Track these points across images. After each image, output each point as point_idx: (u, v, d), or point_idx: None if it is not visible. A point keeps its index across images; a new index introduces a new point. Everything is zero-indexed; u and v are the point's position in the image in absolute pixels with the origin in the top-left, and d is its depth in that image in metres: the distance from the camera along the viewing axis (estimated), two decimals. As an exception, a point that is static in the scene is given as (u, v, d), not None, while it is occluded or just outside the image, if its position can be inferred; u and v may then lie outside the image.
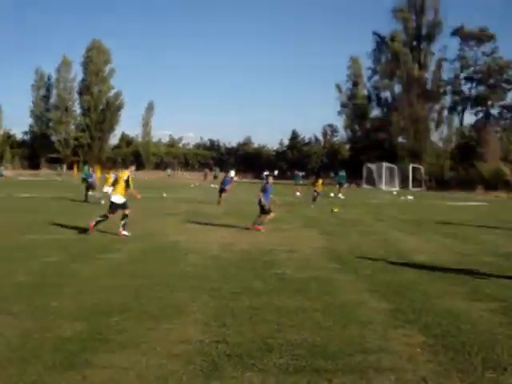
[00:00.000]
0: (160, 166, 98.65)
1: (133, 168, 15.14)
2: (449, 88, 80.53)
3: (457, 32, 77.41)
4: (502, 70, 76.26)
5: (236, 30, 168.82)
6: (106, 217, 13.58)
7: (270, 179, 16.36)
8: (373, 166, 63.73)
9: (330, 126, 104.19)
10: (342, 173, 39.76)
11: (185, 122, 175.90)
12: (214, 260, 10.11)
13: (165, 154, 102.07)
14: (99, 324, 5.80)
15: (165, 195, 31.11)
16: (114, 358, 4.84)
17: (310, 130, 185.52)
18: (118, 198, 13.51)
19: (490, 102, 79.53)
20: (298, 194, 36.73)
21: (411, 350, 5.21)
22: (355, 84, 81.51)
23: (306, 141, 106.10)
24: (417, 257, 11.08)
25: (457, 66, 79.56)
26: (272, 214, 15.45)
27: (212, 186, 45.92)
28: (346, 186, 40.12)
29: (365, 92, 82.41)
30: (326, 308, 6.67)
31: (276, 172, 63.33)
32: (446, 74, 79.31)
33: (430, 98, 75.07)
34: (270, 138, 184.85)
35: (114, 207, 13.57)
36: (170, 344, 5.24)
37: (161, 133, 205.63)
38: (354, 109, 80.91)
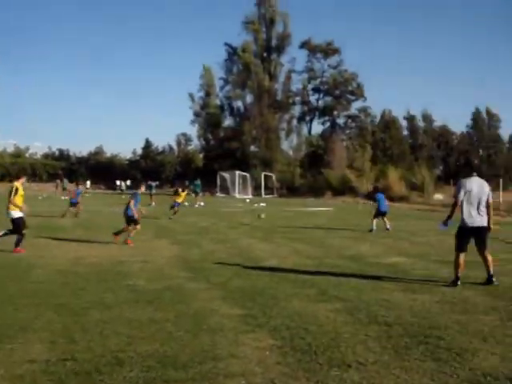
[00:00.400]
0: (5, 177, 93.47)
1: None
2: (298, 99, 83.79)
3: (305, 45, 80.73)
4: (346, 82, 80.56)
5: (91, 41, 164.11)
6: None
7: (142, 188, 16.26)
8: (226, 175, 64.64)
9: (184, 134, 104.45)
10: (198, 181, 40.16)
11: (31, 131, 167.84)
12: (61, 275, 9.69)
13: (10, 165, 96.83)
14: None
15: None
16: None
17: (164, 139, 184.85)
18: None
19: (336, 112, 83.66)
20: (153, 204, 36.32)
21: (261, 353, 5.31)
22: (208, 93, 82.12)
23: (160, 150, 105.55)
24: (268, 262, 11.37)
25: (305, 78, 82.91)
26: (138, 226, 15.05)
27: (63, 197, 44.34)
28: (200, 194, 40.28)
29: (217, 101, 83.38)
30: (177, 318, 6.63)
31: (128, 182, 62.33)
32: (294, 85, 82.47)
33: (280, 108, 77.72)
34: (123, 147, 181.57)
35: None
36: (13, 365, 4.95)
37: (5, 142, 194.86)
38: (207, 118, 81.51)
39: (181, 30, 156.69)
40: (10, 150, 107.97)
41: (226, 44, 79.44)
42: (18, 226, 12.64)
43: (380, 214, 19.47)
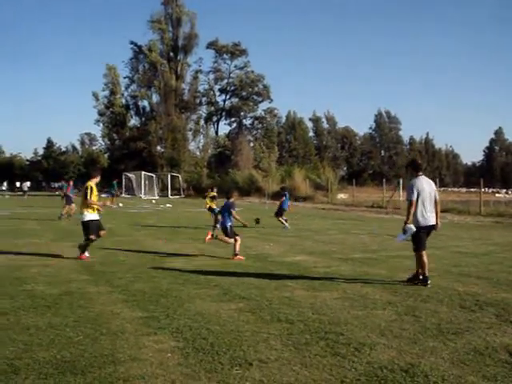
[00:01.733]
0: None
1: None
2: (205, 99, 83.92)
3: (211, 45, 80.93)
4: (253, 84, 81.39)
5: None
6: None
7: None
8: (132, 175, 63.78)
9: (88, 134, 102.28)
10: (114, 182, 39.82)
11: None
12: (-47, 280, 9.25)
13: None
14: None
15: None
16: None
17: (67, 139, 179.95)
18: None
19: (242, 113, 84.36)
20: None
21: (162, 355, 5.27)
22: (112, 92, 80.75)
23: (63, 149, 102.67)
24: (172, 263, 11.29)
25: (211, 78, 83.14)
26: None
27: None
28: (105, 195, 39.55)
29: (123, 101, 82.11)
30: (77, 322, 6.45)
31: (28, 183, 60.22)
32: (201, 86, 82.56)
33: (187, 109, 77.62)
34: (23, 147, 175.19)
35: None
36: None
37: None
38: (112, 117, 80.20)
39: (84, 27, 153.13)
40: None
41: (132, 42, 78.48)
42: (88, 229, 11.96)
43: (282, 211, 20.49)
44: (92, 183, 12.13)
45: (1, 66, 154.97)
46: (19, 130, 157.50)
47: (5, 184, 62.69)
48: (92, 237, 11.94)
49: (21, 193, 60.44)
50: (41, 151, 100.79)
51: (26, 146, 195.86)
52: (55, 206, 35.54)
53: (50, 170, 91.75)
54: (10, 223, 22.09)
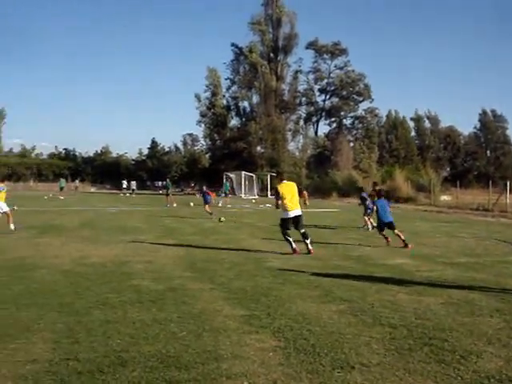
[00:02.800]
0: (11, 177, 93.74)
1: None
2: (304, 99, 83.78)
3: (311, 45, 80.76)
4: (353, 83, 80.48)
5: (92, 39, 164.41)
6: None
7: None
8: (232, 175, 64.65)
9: (190, 135, 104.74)
10: (226, 183, 41.16)
11: (37, 131, 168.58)
12: (64, 275, 9.70)
13: (16, 165, 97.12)
14: None
15: (16, 208, 29.58)
16: (-50, 383, 4.49)
17: (170, 139, 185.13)
18: None
19: (342, 113, 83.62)
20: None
21: (264, 354, 5.28)
22: (214, 94, 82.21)
23: (166, 150, 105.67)
24: (272, 262, 11.33)
25: (311, 78, 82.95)
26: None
27: (61, 197, 44.75)
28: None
29: (224, 102, 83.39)
30: (180, 318, 6.61)
31: (134, 183, 62.35)
32: (301, 86, 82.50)
33: (287, 109, 77.76)
34: (129, 147, 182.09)
35: None
36: (15, 364, 4.94)
37: (11, 142, 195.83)
38: (213, 118, 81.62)
39: (187, 30, 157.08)
40: (17, 150, 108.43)
41: (233, 44, 79.53)
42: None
43: (384, 225, 15.40)
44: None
45: (112, 69, 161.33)
46: (125, 130, 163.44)
47: (133, 183, 64.85)
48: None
49: (129, 191, 62.52)
50: (145, 151, 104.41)
51: (131, 147, 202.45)
52: (159, 204, 36.73)
53: (154, 170, 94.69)
54: (117, 220, 22.98)
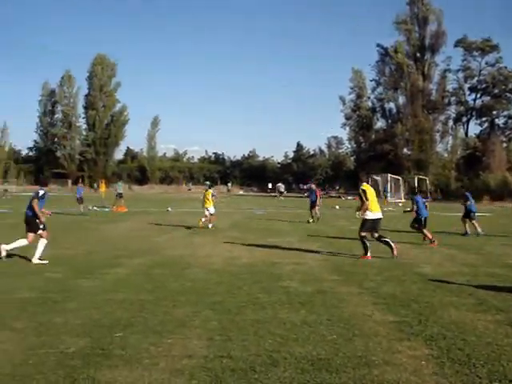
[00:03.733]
0: (165, 180, 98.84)
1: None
2: (453, 99, 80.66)
3: (460, 43, 77.57)
4: (506, 81, 76.23)
5: (240, 46, 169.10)
6: None
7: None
8: (378, 178, 63.58)
9: (335, 137, 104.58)
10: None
11: (189, 136, 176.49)
12: (217, 274, 10.08)
13: (170, 168, 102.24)
14: (102, 339, 5.78)
15: (170, 209, 31.17)
16: (117, 373, 4.80)
17: (315, 142, 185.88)
18: None
19: (495, 112, 79.45)
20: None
21: (416, 362, 5.15)
22: (359, 96, 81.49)
23: (311, 153, 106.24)
24: (422, 268, 11.01)
25: (461, 77, 79.65)
26: None
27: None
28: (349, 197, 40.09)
29: (369, 104, 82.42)
30: (330, 321, 6.61)
31: (282, 185, 63.34)
32: (450, 85, 79.45)
33: (435, 109, 75.21)
34: (275, 150, 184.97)
35: None
36: (172, 359, 5.20)
37: (165, 147, 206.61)
38: (358, 120, 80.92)
39: (330, 33, 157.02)
40: (170, 154, 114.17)
41: (378, 45, 78.35)
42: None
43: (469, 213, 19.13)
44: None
45: (258, 75, 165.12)
46: (271, 135, 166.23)
47: (282, 185, 66.23)
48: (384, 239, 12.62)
49: (277, 194, 63.56)
50: (291, 154, 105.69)
51: (277, 150, 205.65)
52: (304, 206, 36.98)
53: (299, 173, 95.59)
54: (264, 222, 23.42)
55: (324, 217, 25.84)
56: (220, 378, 4.71)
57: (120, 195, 34.10)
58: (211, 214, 20.24)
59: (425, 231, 16.10)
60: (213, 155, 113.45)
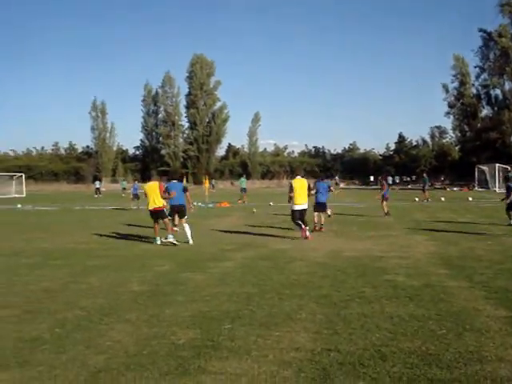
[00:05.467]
0: (266, 175, 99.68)
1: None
2: None
3: None
4: None
5: (338, 38, 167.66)
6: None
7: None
8: (485, 168, 61.24)
9: (438, 127, 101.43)
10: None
11: (289, 131, 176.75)
12: (321, 267, 10.07)
13: (270, 163, 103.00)
14: (211, 331, 5.92)
15: (271, 204, 31.43)
16: (226, 364, 4.91)
17: (417, 133, 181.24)
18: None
19: None
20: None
21: (533, 359, 4.93)
22: (462, 83, 78.58)
23: (414, 144, 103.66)
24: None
25: None
26: None
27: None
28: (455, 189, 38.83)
29: (473, 91, 79.30)
30: (439, 316, 6.44)
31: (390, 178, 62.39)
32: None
33: (545, 94, 71.39)
34: (376, 142, 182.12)
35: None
36: (280, 351, 5.25)
37: (266, 142, 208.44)
38: (463, 109, 78.10)
39: (430, 20, 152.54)
40: (270, 149, 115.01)
41: (481, 30, 75.11)
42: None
43: None
44: None
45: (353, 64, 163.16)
46: (372, 127, 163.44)
47: (390, 178, 65.58)
48: None
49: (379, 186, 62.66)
50: (392, 146, 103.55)
51: (378, 142, 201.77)
52: (408, 199, 36.21)
53: (402, 164, 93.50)
54: (367, 215, 23.12)
55: (429, 209, 25.19)
56: (328, 372, 4.71)
57: (244, 190, 35.33)
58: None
59: None
60: (313, 149, 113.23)
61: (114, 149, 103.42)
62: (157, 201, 14.17)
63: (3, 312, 7.03)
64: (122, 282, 8.91)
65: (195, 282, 8.84)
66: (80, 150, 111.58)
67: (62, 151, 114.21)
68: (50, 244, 14.51)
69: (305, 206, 15.08)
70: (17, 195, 59.44)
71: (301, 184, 15.12)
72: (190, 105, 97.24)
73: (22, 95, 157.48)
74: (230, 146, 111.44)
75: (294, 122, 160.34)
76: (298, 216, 14.85)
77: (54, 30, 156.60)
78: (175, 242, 13.42)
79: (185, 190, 14.46)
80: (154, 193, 14.16)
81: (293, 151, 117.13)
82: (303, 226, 14.65)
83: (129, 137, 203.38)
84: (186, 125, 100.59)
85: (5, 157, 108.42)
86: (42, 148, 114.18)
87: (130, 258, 11.58)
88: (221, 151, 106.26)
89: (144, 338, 5.74)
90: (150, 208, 14.26)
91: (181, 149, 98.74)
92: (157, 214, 14.25)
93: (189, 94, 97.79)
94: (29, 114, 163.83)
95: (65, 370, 4.86)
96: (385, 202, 23.11)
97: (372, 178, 79.08)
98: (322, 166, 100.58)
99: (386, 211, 22.69)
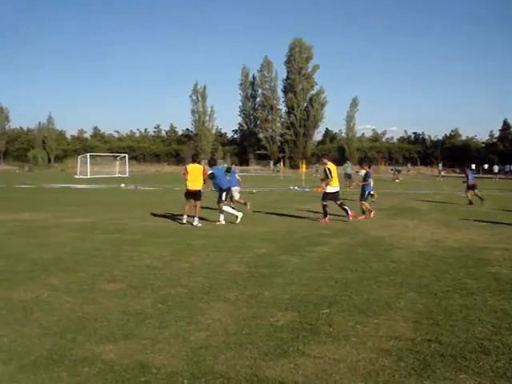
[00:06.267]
0: (364, 160, 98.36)
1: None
2: None
3: None
4: None
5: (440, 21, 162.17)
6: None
7: None
8: None
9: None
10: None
11: (388, 116, 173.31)
12: (420, 256, 9.85)
13: (368, 149, 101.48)
14: (309, 315, 5.94)
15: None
16: (324, 348, 4.91)
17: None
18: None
19: None
20: None
21: None
22: None
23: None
24: None
25: None
26: None
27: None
28: None
29: None
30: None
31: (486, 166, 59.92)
32: None
33: None
34: (479, 129, 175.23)
35: None
36: (379, 339, 5.19)
37: (363, 127, 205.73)
38: None
39: None
40: (368, 134, 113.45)
41: None
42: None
43: None
44: None
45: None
46: (474, 112, 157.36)
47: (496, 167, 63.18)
48: None
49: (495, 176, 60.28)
50: (496, 133, 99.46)
51: (481, 129, 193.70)
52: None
53: (506, 153, 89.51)
54: (472, 205, 22.40)
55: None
56: (428, 362, 4.61)
57: (349, 176, 34.62)
58: None
59: None
60: (412, 135, 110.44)
61: (213, 132, 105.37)
62: (197, 182, 14.92)
63: (109, 286, 7.37)
64: (222, 262, 9.10)
65: (293, 265, 8.89)
66: (180, 133, 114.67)
67: (164, 133, 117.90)
68: (153, 222, 15.05)
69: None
70: (120, 175, 61.83)
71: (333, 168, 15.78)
72: (288, 89, 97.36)
73: (125, 80, 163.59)
74: (327, 130, 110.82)
75: (393, 107, 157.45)
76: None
77: (161, 21, 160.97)
78: (199, 224, 14.38)
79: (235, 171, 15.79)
80: (199, 174, 14.93)
81: (392, 137, 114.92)
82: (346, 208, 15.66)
83: (227, 120, 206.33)
84: (283, 109, 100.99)
85: (110, 138, 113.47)
86: (145, 130, 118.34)
87: (228, 239, 11.79)
88: (318, 136, 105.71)
89: (243, 317, 5.84)
90: (191, 188, 14.88)
91: (278, 133, 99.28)
92: (195, 195, 14.98)
93: (287, 79, 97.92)
94: (133, 98, 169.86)
95: (167, 344, 5.03)
96: (470, 191, 22.71)
97: (474, 167, 76.21)
98: (422, 153, 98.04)
99: (468, 198, 22.53)
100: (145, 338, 5.20)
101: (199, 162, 15.65)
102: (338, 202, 15.76)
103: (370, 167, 18.44)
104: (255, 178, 52.97)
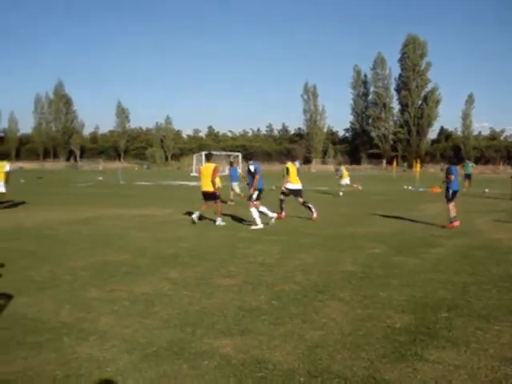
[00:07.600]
0: (480, 160, 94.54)
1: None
2: None
3: None
4: None
5: None
6: None
7: None
8: None
9: None
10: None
11: (507, 114, 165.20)
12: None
13: (485, 148, 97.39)
14: (427, 318, 5.80)
15: (486, 191, 29.88)
16: (444, 354, 4.77)
17: None
18: None
19: None
20: None
21: None
22: None
23: None
24: None
25: None
26: None
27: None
28: None
29: None
30: None
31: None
32: None
33: None
34: None
35: None
36: (501, 346, 4.97)
37: (480, 125, 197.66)
38: None
39: None
40: (485, 133, 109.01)
41: None
42: None
43: None
44: None
45: None
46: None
47: None
48: None
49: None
50: None
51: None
52: None
53: None
54: None
55: None
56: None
57: (468, 176, 33.15)
58: None
59: None
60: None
61: (325, 130, 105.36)
62: (206, 183, 14.19)
63: (226, 281, 7.55)
64: (334, 261, 9.07)
65: (408, 266, 8.70)
66: (292, 132, 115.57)
67: (276, 132, 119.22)
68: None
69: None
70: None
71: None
72: (402, 87, 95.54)
73: (240, 80, 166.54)
74: (442, 128, 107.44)
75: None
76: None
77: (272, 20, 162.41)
78: (223, 223, 14.09)
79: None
80: (209, 175, 14.11)
81: (511, 135, 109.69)
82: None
83: (339, 119, 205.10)
84: (396, 107, 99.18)
85: (223, 137, 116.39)
86: (258, 129, 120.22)
87: (338, 239, 11.71)
88: (432, 134, 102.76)
89: (359, 318, 5.79)
90: (203, 189, 14.39)
91: (391, 131, 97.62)
92: (209, 197, 14.32)
93: (400, 76, 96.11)
94: (246, 98, 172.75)
95: (283, 341, 5.08)
96: None
97: None
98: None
99: None
100: (261, 334, 5.28)
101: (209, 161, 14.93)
102: (301, 201, 15.67)
103: (456, 163, 16.86)
104: (367, 177, 52.18)
